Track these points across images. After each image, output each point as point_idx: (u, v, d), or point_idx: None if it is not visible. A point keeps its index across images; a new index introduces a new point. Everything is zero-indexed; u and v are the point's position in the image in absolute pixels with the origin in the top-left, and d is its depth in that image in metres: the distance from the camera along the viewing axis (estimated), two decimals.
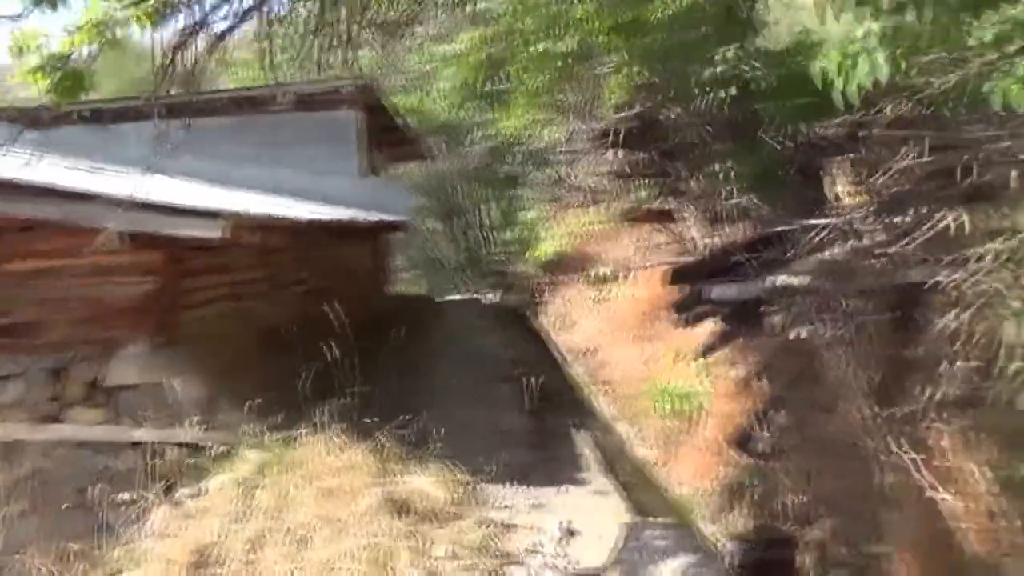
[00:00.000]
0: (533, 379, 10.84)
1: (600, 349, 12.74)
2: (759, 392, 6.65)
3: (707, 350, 7.11)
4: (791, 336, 6.28)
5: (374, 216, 15.11)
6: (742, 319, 7.05)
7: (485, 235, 28.79)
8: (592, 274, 14.20)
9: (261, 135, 18.02)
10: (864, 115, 6.93)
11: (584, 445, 9.01)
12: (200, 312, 9.72)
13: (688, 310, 7.29)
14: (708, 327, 7.45)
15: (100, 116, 15.40)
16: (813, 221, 6.51)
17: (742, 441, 6.24)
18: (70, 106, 16.18)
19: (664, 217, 9.48)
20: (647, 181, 9.61)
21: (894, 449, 4.67)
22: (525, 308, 17.20)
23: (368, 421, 7.91)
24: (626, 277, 13.14)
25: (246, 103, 18.16)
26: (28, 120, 15.29)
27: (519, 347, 13.95)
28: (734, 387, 7.06)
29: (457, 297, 23.87)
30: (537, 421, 9.60)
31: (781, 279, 6.34)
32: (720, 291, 7.03)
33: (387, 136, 19.52)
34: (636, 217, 9.32)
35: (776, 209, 7.24)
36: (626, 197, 13.90)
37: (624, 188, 13.89)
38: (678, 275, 7.53)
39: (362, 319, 14.20)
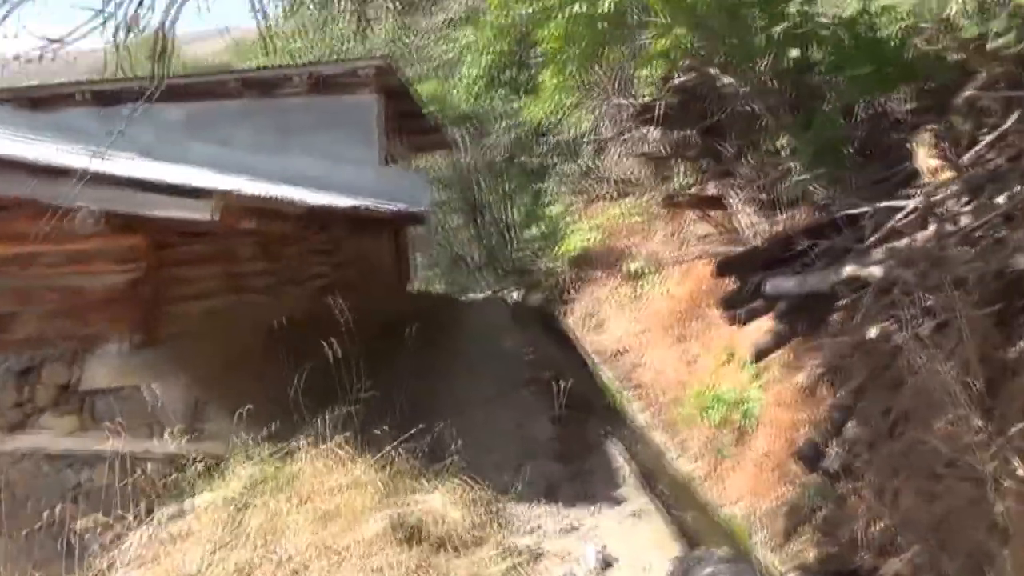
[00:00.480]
0: (560, 383, 10.10)
1: (632, 350, 11.92)
2: (826, 400, 5.83)
3: (761, 352, 6.29)
4: (865, 335, 5.48)
5: (393, 207, 14.40)
6: (803, 316, 6.24)
7: (509, 231, 28.00)
8: (623, 270, 13.37)
9: (275, 120, 17.32)
10: (950, 81, 6.13)
11: (618, 456, 8.20)
12: (190, 307, 8.97)
13: (739, 306, 6.49)
14: (762, 325, 6.65)
15: (103, 98, 14.74)
16: (889, 203, 5.71)
17: (809, 456, 5.41)
18: (71, 87, 15.83)
19: (710, 203, 8.68)
20: (690, 163, 8.79)
21: (1018, 470, 3.83)
22: (551, 307, 16.40)
23: (377, 432, 7.16)
24: (661, 272, 12.30)
25: (258, 86, 17.49)
26: (27, 102, 14.77)
27: (545, 348, 13.15)
28: (794, 394, 6.24)
29: (480, 296, 23.10)
30: (565, 429, 8.81)
31: (851, 270, 5.53)
32: (777, 284, 6.23)
33: (409, 123, 18.79)
34: (678, 204, 8.52)
35: (843, 190, 6.42)
36: (662, 184, 13.11)
37: (660, 174, 13.09)
38: (727, 266, 6.73)
39: (380, 317, 13.52)
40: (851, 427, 5.29)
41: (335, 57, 21.38)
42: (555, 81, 14.83)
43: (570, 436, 8.65)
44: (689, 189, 9.76)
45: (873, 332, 5.40)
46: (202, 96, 17.69)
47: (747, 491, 6.48)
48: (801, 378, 5.82)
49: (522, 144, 22.35)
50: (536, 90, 17.34)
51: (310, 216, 11.10)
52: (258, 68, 17.88)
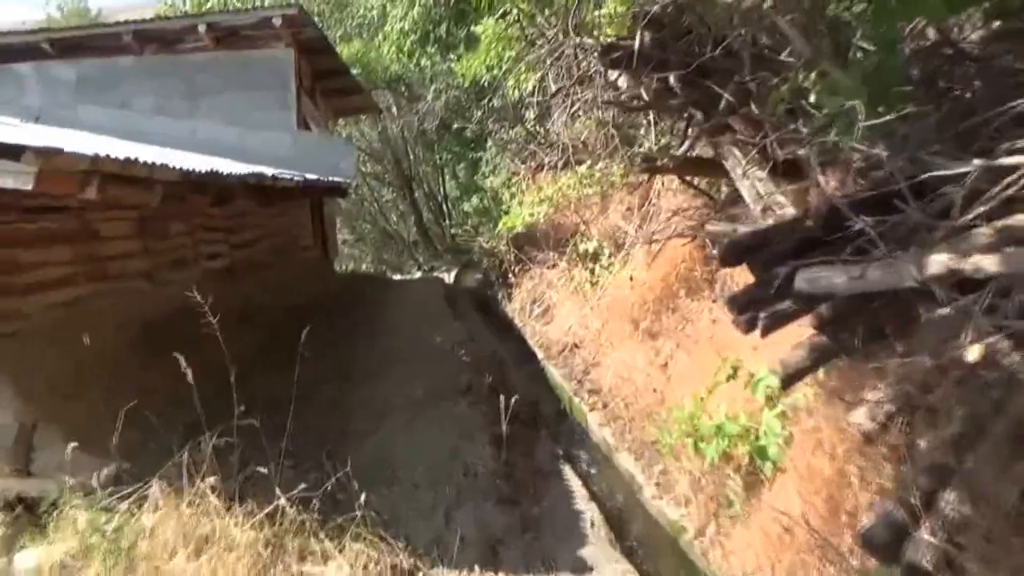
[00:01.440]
0: (505, 395, 8.19)
1: (586, 346, 10.07)
2: (900, 451, 4.00)
3: (793, 374, 4.42)
4: (960, 358, 3.64)
5: (311, 176, 12.19)
6: (857, 325, 4.39)
7: (445, 204, 25.93)
8: (575, 250, 11.47)
9: (178, 80, 15.01)
10: None
11: (579, 494, 6.33)
12: (30, 300, 6.90)
13: (756, 308, 4.59)
14: (788, 334, 4.80)
15: None
16: (994, 162, 3.87)
17: (880, 542, 3.57)
18: None
19: (701, 167, 6.75)
20: (671, 117, 6.86)
21: None
22: (492, 290, 14.43)
23: (264, 470, 5.18)
24: (622, 253, 10.43)
25: (157, 40, 15.04)
26: None
27: (486, 342, 11.19)
28: (839, 434, 4.39)
29: (413, 276, 20.97)
30: (511, 453, 6.87)
31: (945, 261, 3.66)
32: (816, 278, 4.34)
33: (329, 84, 16.49)
34: (658, 168, 6.62)
35: (910, 144, 4.57)
36: (626, 147, 11.19)
37: (624, 134, 11.16)
38: (737, 251, 4.82)
39: (297, 302, 11.38)
40: (951, 500, 3.48)
41: (242, 6, 18.83)
42: (494, 30, 12.82)
43: (517, 464, 6.72)
44: (669, 150, 7.87)
45: (974, 354, 3.56)
46: (95, 52, 15.22)
47: (762, 561, 4.64)
48: (857, 415, 4.01)
49: (458, 109, 20.23)
50: (473, 44, 15.24)
51: (198, 185, 8.89)
52: (156, 18, 15.29)
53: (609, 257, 10.86)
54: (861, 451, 4.17)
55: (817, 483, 4.35)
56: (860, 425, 3.99)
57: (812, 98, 5.18)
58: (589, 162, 11.42)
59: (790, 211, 5.32)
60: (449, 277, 19.64)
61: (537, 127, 14.56)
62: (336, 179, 13.77)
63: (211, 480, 5.25)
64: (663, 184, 10.41)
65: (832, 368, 4.65)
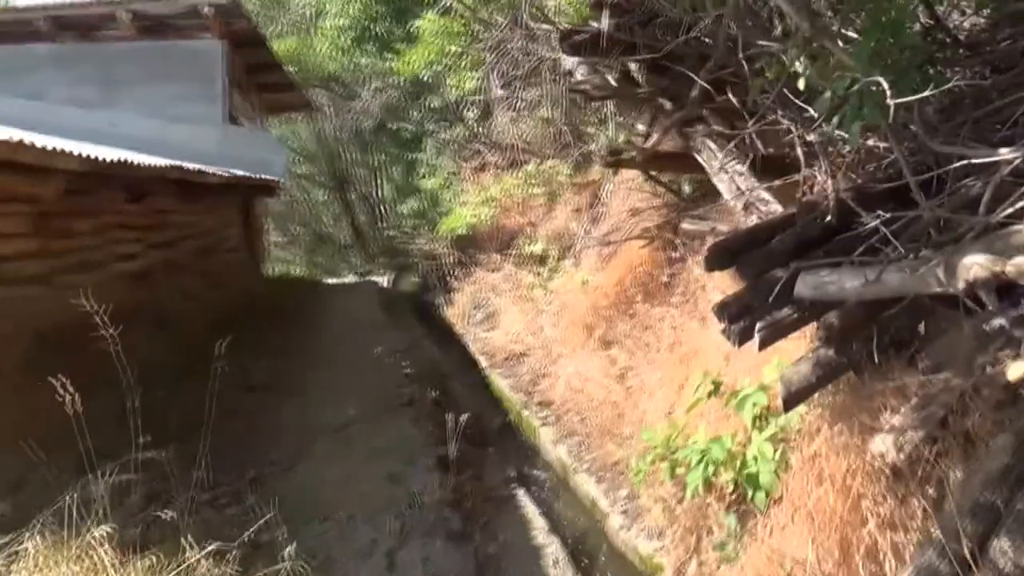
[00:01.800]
0: (449, 406, 7.44)
1: (534, 353, 9.37)
2: (932, 486, 3.38)
3: (796, 394, 3.79)
4: (1004, 377, 3.07)
5: (240, 173, 11.19)
6: (869, 337, 3.78)
7: (380, 206, 24.94)
8: (521, 252, 10.77)
9: (98, 69, 13.82)
10: None
11: (538, 525, 5.61)
12: None
13: (750, 317, 3.95)
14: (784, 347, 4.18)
15: None
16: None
17: None
18: None
19: (672, 162, 6.10)
20: (637, 108, 6.20)
21: None
22: (431, 295, 13.61)
23: (167, 515, 4.31)
24: (572, 256, 9.78)
25: (75, 26, 13.84)
26: None
27: (426, 350, 10.39)
28: (849, 464, 3.76)
29: (349, 280, 19.97)
30: (460, 476, 6.10)
31: (983, 262, 3.08)
32: (822, 283, 3.75)
33: (261, 78, 15.48)
34: (624, 163, 5.96)
35: (908, 136, 3.99)
36: (581, 143, 10.58)
37: (576, 131, 10.55)
38: (724, 253, 4.18)
39: (221, 310, 10.37)
40: (1005, 548, 2.87)
41: None
42: (437, 24, 12.07)
43: (466, 490, 5.95)
44: (645, 144, 7.19)
45: (1016, 372, 2.99)
46: (6, 38, 13.93)
47: None
48: (879, 444, 3.38)
49: (395, 109, 19.31)
50: (413, 41, 14.46)
51: (110, 179, 7.92)
52: (73, 3, 14.04)
53: (557, 260, 10.21)
54: (878, 484, 3.55)
55: (823, 520, 3.72)
56: (884, 455, 3.37)
57: (803, 82, 4.59)
58: (537, 160, 10.78)
59: (776, 208, 4.71)
60: (385, 281, 18.76)
61: (479, 126, 13.85)
62: (266, 177, 12.80)
63: (105, 527, 4.32)
64: (614, 184, 9.82)
65: (844, 385, 4.03)
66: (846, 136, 4.14)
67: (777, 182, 4.83)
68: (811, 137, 4.65)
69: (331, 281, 19.88)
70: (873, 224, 3.68)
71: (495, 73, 11.68)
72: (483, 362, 10.09)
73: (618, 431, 6.65)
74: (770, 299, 3.87)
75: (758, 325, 3.85)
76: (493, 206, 10.77)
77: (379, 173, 24.77)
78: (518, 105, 11.24)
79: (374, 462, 6.15)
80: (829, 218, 3.85)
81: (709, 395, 4.94)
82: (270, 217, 22.37)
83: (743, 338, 3.97)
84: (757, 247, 4.21)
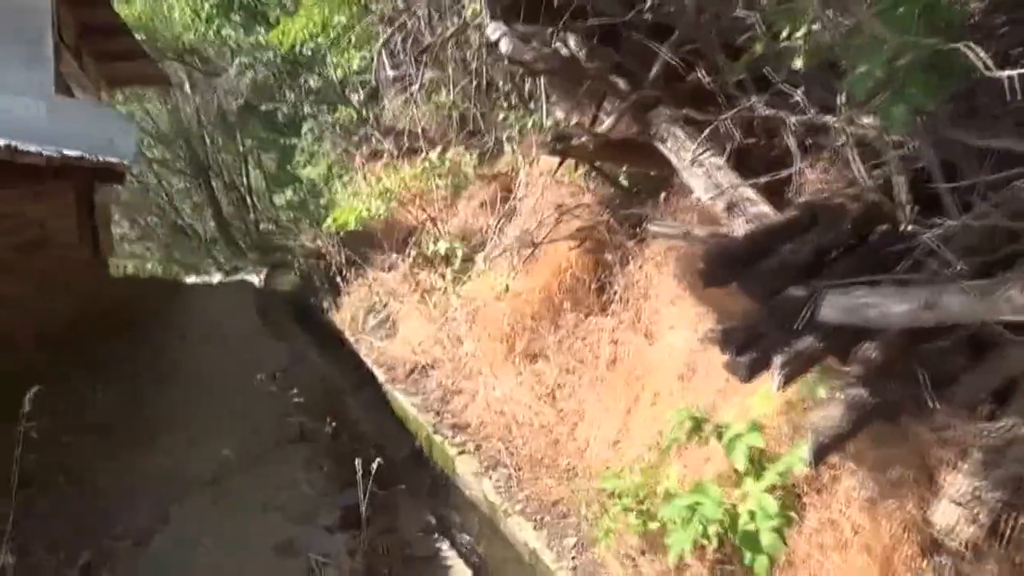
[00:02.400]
0: (350, 436, 6.53)
1: (442, 366, 8.54)
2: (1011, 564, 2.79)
3: (827, 445, 3.14)
4: None
5: (73, 153, 9.68)
6: (913, 373, 3.17)
7: (250, 196, 23.33)
8: (423, 251, 9.88)
9: None
10: None
11: None
12: None
13: (760, 346, 3.31)
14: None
15: None
16: None
17: None
18: None
19: (629, 152, 5.37)
20: (578, 87, 5.45)
21: None
22: (315, 297, 12.44)
23: None
24: (482, 257, 8.98)
25: None
26: None
27: (314, 365, 9.34)
28: (889, 527, 3.15)
29: (213, 280, 18.38)
30: (371, 529, 5.18)
31: None
32: (855, 307, 3.15)
33: (104, 44, 13.73)
34: (568, 152, 5.18)
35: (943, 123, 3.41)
36: (485, 131, 9.78)
37: (487, 118, 9.74)
38: (725, 264, 3.53)
39: (53, 320, 8.92)
40: None
41: None
42: None
43: (379, 550, 5.05)
44: (594, 129, 6.42)
45: None
46: None
47: None
48: (944, 514, 2.78)
49: (267, 88, 17.92)
50: (291, 8, 13.28)
51: None
52: None
53: (465, 261, 9.38)
54: (930, 557, 2.96)
55: None
56: (953, 530, 2.77)
57: (800, 60, 3.99)
58: (439, 149, 9.91)
59: (764, 209, 4.08)
60: (258, 279, 17.34)
61: (369, 109, 12.83)
62: (110, 159, 11.23)
63: None
64: (528, 175, 9.09)
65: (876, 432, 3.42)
66: (874, 123, 3.56)
67: (764, 178, 4.21)
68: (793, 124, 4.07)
69: (193, 280, 18.25)
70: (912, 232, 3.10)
71: (390, 48, 10.71)
72: (381, 376, 9.14)
73: (554, 462, 5.95)
74: (789, 324, 3.23)
75: (778, 358, 3.18)
76: (389, 199, 9.83)
77: (248, 160, 23.20)
78: (416, 86, 10.32)
79: (260, 524, 5.13)
80: (885, 226, 3.21)
81: (689, 435, 4.24)
82: (117, 206, 20.39)
83: (753, 371, 3.31)
84: (760, 257, 3.56)
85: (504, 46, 5.98)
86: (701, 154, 4.46)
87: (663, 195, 6.35)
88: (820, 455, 3.16)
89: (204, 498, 5.47)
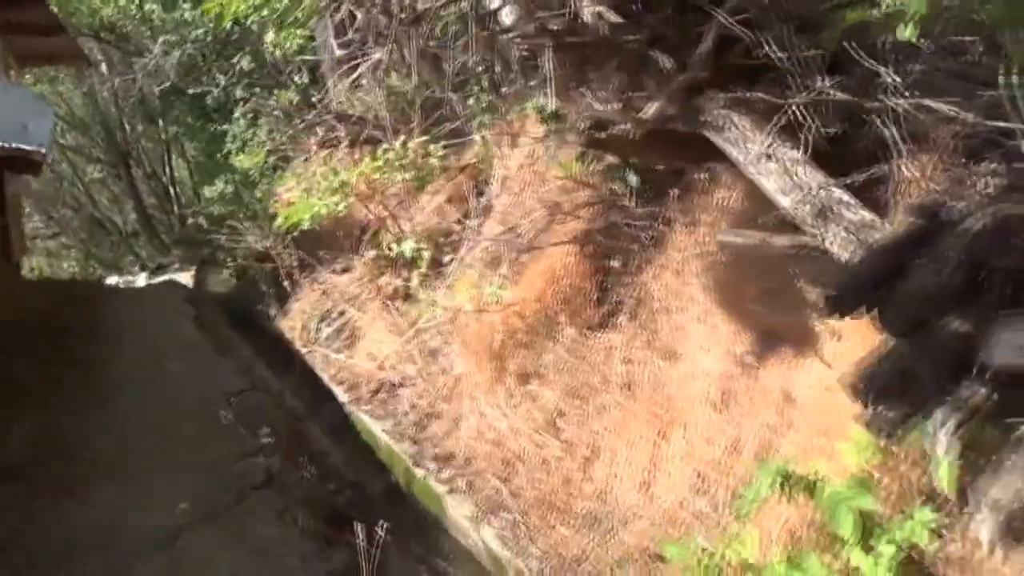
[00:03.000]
0: (328, 477, 5.70)
1: (414, 385, 7.71)
2: None
3: (1009, 527, 2.46)
4: None
5: None
6: None
7: (174, 187, 21.88)
8: (385, 251, 9.01)
9: None
10: None
11: None
12: None
13: (902, 397, 2.61)
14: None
15: None
16: None
17: None
18: None
19: (675, 145, 4.60)
20: (612, 63, 4.66)
21: None
22: (262, 301, 11.35)
23: None
24: (456, 261, 8.17)
25: None
26: None
27: (267, 386, 8.37)
28: None
29: (139, 280, 17.06)
30: None
31: None
32: None
33: (16, 14, 12.31)
34: (605, 145, 4.41)
35: None
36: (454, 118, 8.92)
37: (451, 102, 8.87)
38: (858, 289, 2.83)
39: None
40: None
41: None
42: None
43: None
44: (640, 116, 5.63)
45: None
46: None
47: None
48: None
49: (195, 70, 16.64)
50: None
51: None
52: None
53: (433, 264, 8.55)
54: None
55: None
56: None
57: (909, 30, 3.32)
58: (402, 138, 9.03)
59: (867, 216, 3.39)
60: (188, 279, 16.09)
61: (316, 92, 11.83)
62: (21, 146, 9.98)
63: None
64: (505, 168, 8.31)
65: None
66: None
67: (859, 176, 3.52)
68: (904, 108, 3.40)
69: (116, 281, 16.89)
70: None
71: (338, 22, 9.79)
72: (342, 395, 8.26)
73: (568, 507, 5.20)
74: (950, 368, 2.53)
75: (944, 415, 2.48)
76: (346, 194, 8.91)
77: (172, 147, 21.74)
78: (374, 67, 9.40)
79: None
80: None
81: (785, 494, 3.51)
82: (29, 198, 18.82)
83: (901, 428, 2.61)
84: (892, 279, 2.86)
85: (506, 16, 5.18)
86: (773, 146, 3.74)
87: (674, 192, 5.67)
88: (1008, 538, 2.47)
89: (155, 566, 4.51)
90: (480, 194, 8.56)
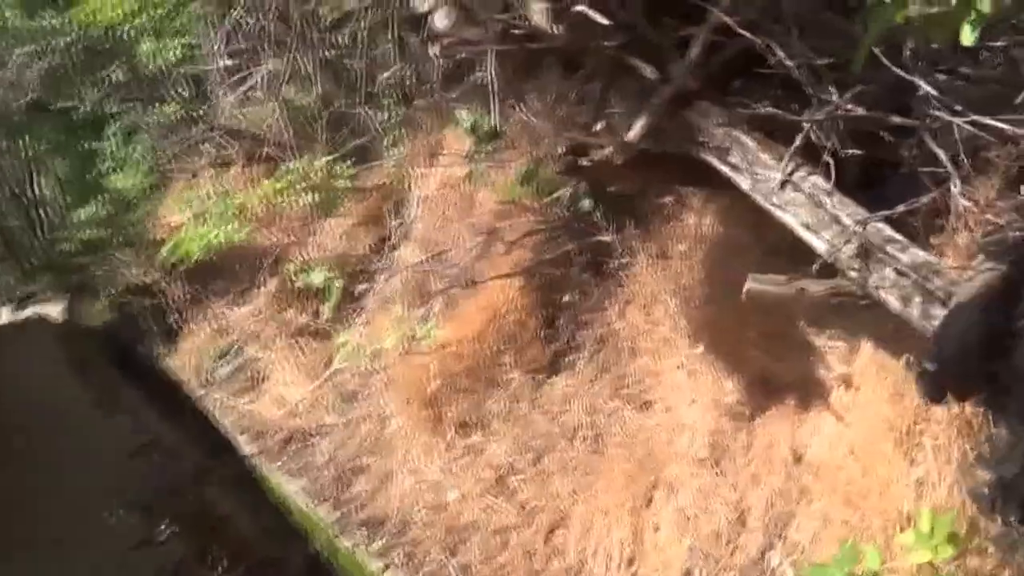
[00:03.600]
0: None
1: (330, 435, 6.80)
2: None
3: None
4: None
5: None
6: None
7: (39, 209, 19.91)
8: (290, 285, 8.06)
9: None
10: None
11: None
12: None
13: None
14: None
15: None
16: None
17: None
18: None
19: (666, 169, 3.90)
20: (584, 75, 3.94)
21: None
22: (146, 338, 10.03)
23: None
24: (375, 293, 7.32)
25: None
26: None
27: (162, 444, 7.24)
28: None
29: (2, 317, 15.24)
30: None
31: None
32: None
33: None
34: (583, 172, 3.67)
35: None
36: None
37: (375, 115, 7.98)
38: (948, 374, 2.16)
39: None
40: None
41: None
42: None
43: None
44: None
45: None
46: None
47: None
48: None
49: (62, 82, 15.08)
50: None
51: None
52: None
53: (348, 296, 7.68)
54: None
55: None
56: None
57: (968, 35, 2.72)
58: (308, 156, 8.11)
59: (924, 255, 2.79)
60: (58, 312, 14.45)
61: (204, 107, 10.68)
62: None
63: None
64: (426, 189, 7.51)
65: None
66: None
67: (905, 206, 2.92)
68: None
69: None
70: None
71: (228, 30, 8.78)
72: (246, 445, 7.25)
73: None
74: None
75: None
76: (244, 220, 7.90)
77: (33, 166, 19.83)
78: (269, 78, 8.47)
79: None
80: None
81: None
82: None
83: None
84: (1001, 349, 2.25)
85: (440, 19, 4.39)
86: (795, 173, 3.11)
87: (630, 222, 5.04)
88: None
89: None
90: (397, 217, 7.70)
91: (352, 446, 6.49)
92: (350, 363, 6.97)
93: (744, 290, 3.13)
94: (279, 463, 6.83)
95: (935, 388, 2.22)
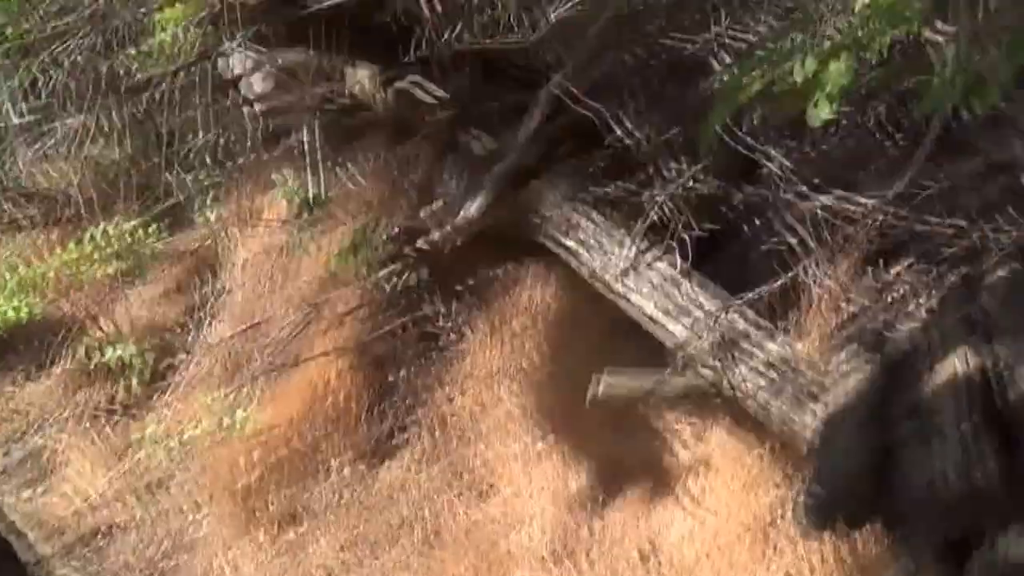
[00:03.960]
0: None
1: (134, 529, 5.91)
2: None
3: None
4: None
5: None
6: None
7: None
8: (88, 361, 7.07)
9: None
10: None
11: None
12: None
13: None
14: None
15: None
16: None
17: None
18: None
19: (503, 247, 3.46)
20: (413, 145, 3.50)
21: None
22: None
23: None
24: (187, 368, 6.48)
25: None
26: None
27: None
28: None
29: None
30: None
31: None
32: None
33: None
34: (424, 254, 3.16)
35: None
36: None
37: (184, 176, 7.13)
38: (836, 506, 1.85)
39: None
40: None
41: None
42: None
43: None
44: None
45: None
46: None
47: None
48: None
49: None
50: None
51: None
52: None
53: (154, 373, 6.78)
54: None
55: None
56: None
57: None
58: (113, 220, 7.19)
59: (788, 349, 2.51)
60: None
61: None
62: None
63: None
64: (241, 257, 6.80)
65: None
66: None
67: (762, 289, 2.67)
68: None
69: None
70: None
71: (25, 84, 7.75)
72: (37, 544, 6.15)
73: None
74: None
75: None
76: (42, 292, 6.86)
77: None
78: (71, 135, 7.51)
79: None
80: None
81: None
82: None
83: None
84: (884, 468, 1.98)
85: (257, 84, 3.84)
86: (644, 255, 2.79)
87: (466, 293, 4.62)
88: None
89: None
90: (212, 286, 6.93)
91: (159, 542, 5.61)
92: (156, 450, 6.08)
93: (588, 397, 2.75)
94: (76, 564, 5.84)
95: (821, 516, 1.89)
